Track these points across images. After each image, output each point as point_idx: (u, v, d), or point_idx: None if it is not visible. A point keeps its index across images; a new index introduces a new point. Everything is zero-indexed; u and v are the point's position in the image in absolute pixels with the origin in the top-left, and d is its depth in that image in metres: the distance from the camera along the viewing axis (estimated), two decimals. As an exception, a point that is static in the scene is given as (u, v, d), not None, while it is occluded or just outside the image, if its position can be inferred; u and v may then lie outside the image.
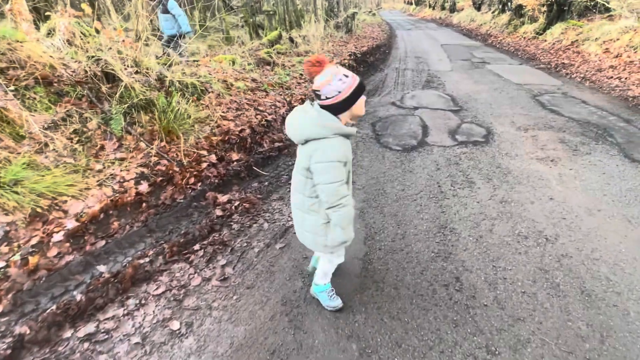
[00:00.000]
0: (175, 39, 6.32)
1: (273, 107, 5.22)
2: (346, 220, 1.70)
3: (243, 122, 4.50)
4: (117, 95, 3.59)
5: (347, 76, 1.59)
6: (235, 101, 5.05)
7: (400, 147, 4.46)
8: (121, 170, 3.11)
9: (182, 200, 3.12)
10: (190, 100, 4.43)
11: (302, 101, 5.55)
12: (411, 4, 40.60)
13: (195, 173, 3.39)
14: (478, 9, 22.38)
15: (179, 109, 3.99)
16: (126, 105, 3.58)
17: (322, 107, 1.61)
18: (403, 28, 21.48)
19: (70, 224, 2.53)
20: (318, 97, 1.61)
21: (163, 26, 6.58)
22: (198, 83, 4.82)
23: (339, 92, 1.57)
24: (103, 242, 2.54)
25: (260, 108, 5.04)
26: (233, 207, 3.04)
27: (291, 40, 9.72)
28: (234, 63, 6.39)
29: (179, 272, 2.35)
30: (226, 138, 4.03)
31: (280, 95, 5.77)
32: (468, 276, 2.34)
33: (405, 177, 3.66)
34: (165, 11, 6.32)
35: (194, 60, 6.14)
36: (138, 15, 4.48)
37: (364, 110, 1.70)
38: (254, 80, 6.00)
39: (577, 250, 2.57)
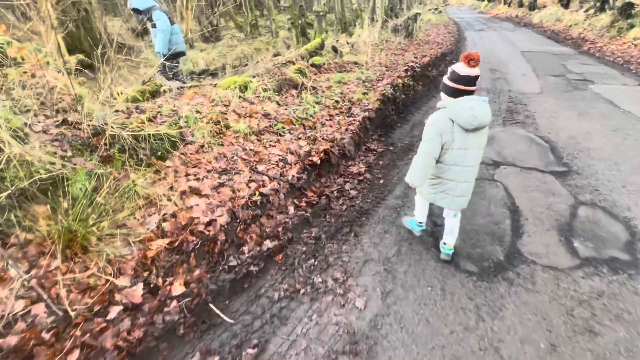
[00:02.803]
0: (172, 60, 4.88)
1: (281, 163, 3.57)
2: None
3: (222, 200, 2.90)
4: (-8, 177, 2.16)
5: None
6: (225, 156, 3.48)
7: (475, 264, 2.59)
8: None
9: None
10: (144, 165, 2.92)
11: (326, 152, 3.84)
12: (483, -1, 36.79)
13: (85, 339, 1.85)
14: (566, 6, 18.99)
15: (107, 190, 2.49)
16: (4, 194, 2.13)
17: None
18: (473, 28, 18.78)
19: None
20: (473, 84, 2.12)
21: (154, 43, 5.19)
22: (172, 131, 3.31)
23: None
24: None
25: (260, 167, 3.42)
26: None
27: (334, 49, 8.00)
28: (246, 89, 4.84)
29: None
30: (177, 241, 2.46)
31: (298, 139, 4.10)
32: None
33: (486, 371, 1.83)
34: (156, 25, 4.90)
35: (191, 86, 4.67)
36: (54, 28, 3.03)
37: None
38: (266, 115, 4.40)
39: None
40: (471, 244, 2.78)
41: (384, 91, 5.81)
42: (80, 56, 4.34)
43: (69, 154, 2.59)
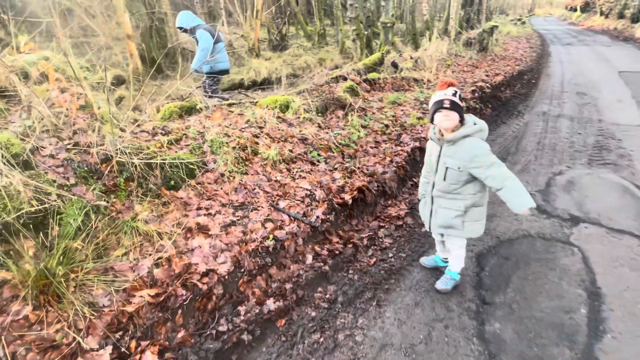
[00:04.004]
0: (214, 77, 4.72)
1: (307, 199, 3.16)
2: None
3: (230, 243, 2.56)
4: (-22, 209, 2.01)
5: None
6: (246, 187, 3.15)
7: (529, 373, 1.94)
8: None
9: None
10: (151, 195, 2.68)
11: (360, 190, 3.36)
12: (574, 10, 33.32)
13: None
14: (681, 18, 16.31)
15: (101, 225, 2.26)
16: (-12, 228, 1.98)
17: None
18: (560, 42, 16.92)
19: None
20: None
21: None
22: (192, 158, 3.07)
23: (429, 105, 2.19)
24: None
25: (282, 204, 3.04)
26: None
27: (394, 65, 7.46)
28: (287, 108, 4.52)
29: None
30: (165, 294, 2.14)
31: (334, 169, 3.67)
32: None
33: None
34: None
35: (232, 104, 4.46)
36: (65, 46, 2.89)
37: (442, 124, 2.09)
38: (303, 140, 4.03)
39: None
40: (528, 339, 2.12)
41: (443, 116, 5.14)
42: (119, 71, 4.34)
43: (72, 182, 2.42)
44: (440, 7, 22.43)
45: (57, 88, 2.59)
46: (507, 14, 37.57)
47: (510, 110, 6.79)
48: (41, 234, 2.14)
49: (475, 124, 2.12)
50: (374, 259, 2.84)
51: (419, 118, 5.05)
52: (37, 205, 2.15)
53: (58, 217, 2.19)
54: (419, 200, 2.55)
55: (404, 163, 3.97)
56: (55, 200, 2.22)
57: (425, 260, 2.76)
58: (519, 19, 28.33)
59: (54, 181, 2.33)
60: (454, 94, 2.06)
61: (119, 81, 4.07)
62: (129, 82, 3.86)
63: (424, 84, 7.08)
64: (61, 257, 2.04)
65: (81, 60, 3.64)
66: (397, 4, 17.67)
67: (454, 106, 2.03)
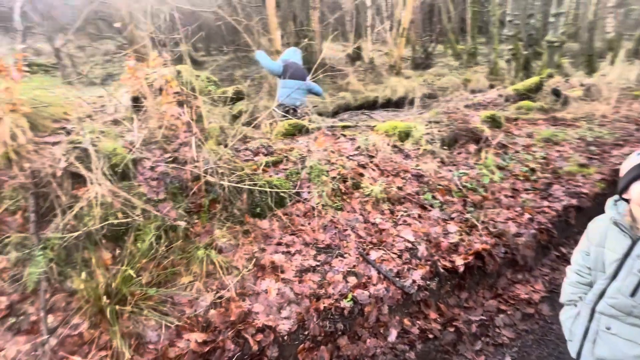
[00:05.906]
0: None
1: (406, 254, 2.57)
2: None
3: (301, 294, 2.19)
4: (71, 213, 2.10)
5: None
6: (337, 227, 2.74)
7: None
8: None
9: None
10: (233, 221, 2.51)
11: (479, 255, 2.59)
12: None
13: None
14: None
15: (172, 248, 2.16)
16: (75, 234, 2.04)
17: None
18: None
19: None
20: None
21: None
22: (286, 184, 2.83)
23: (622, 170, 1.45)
24: None
25: (374, 255, 2.53)
26: None
27: (556, 93, 6.08)
28: (407, 136, 3.97)
29: None
30: (212, 343, 1.87)
31: (449, 219, 2.97)
32: None
33: None
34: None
35: (346, 126, 4.13)
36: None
37: None
38: (418, 177, 3.43)
39: None
40: None
41: (620, 165, 3.84)
42: (240, 87, 4.47)
43: (160, 197, 2.40)
44: (633, 22, 18.28)
45: (172, 101, 2.65)
46: None
47: None
48: (117, 249, 2.14)
49: None
50: (483, 358, 2.10)
51: (582, 165, 3.87)
52: (122, 218, 2.15)
53: (136, 233, 2.16)
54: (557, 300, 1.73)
55: (549, 225, 3.00)
56: (138, 215, 2.20)
57: None
58: None
59: (144, 194, 2.34)
60: None
61: (238, 97, 4.21)
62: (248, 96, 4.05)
63: (596, 119, 5.56)
64: (126, 278, 1.97)
65: (211, 74, 3.82)
66: (571, 20, 15.07)
67: None
